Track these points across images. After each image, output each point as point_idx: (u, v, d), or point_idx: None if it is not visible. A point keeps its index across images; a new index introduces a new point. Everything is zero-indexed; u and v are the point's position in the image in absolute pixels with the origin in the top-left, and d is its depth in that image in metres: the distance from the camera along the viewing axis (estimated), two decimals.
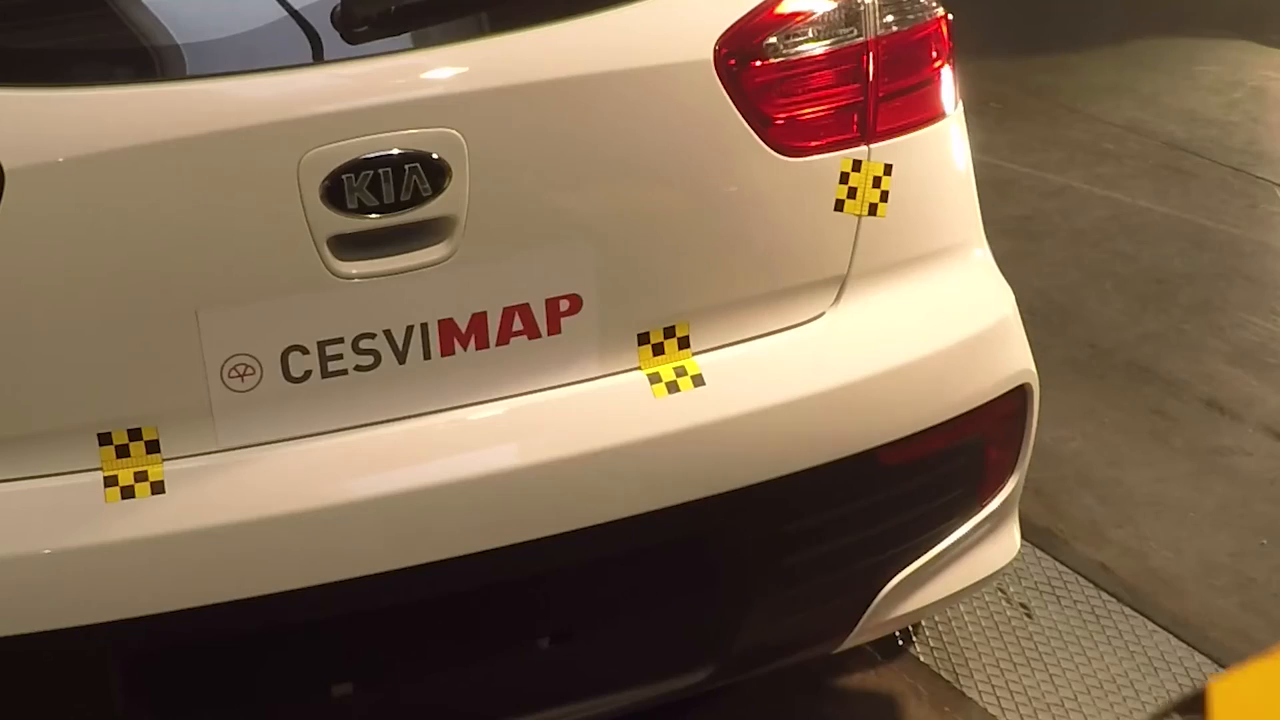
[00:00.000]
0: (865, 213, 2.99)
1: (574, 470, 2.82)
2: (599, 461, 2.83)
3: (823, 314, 3.01)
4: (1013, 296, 3.25)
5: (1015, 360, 3.18)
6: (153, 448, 2.65)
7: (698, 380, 2.89)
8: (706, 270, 2.92)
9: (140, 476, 2.64)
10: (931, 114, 3.09)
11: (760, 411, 2.89)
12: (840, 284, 3.02)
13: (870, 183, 2.99)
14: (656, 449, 2.81)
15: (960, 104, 3.19)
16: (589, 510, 2.79)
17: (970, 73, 7.88)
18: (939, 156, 3.14)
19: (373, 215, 2.61)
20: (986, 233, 3.24)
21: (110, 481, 2.63)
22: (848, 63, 2.96)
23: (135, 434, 2.65)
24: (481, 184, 2.69)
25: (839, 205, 2.97)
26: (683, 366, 2.90)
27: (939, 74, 3.11)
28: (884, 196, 2.99)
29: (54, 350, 2.60)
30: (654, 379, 2.88)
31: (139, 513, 2.63)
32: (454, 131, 2.64)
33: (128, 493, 2.62)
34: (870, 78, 2.96)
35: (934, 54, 3.11)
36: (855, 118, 2.96)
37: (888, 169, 3.00)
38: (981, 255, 3.23)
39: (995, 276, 3.26)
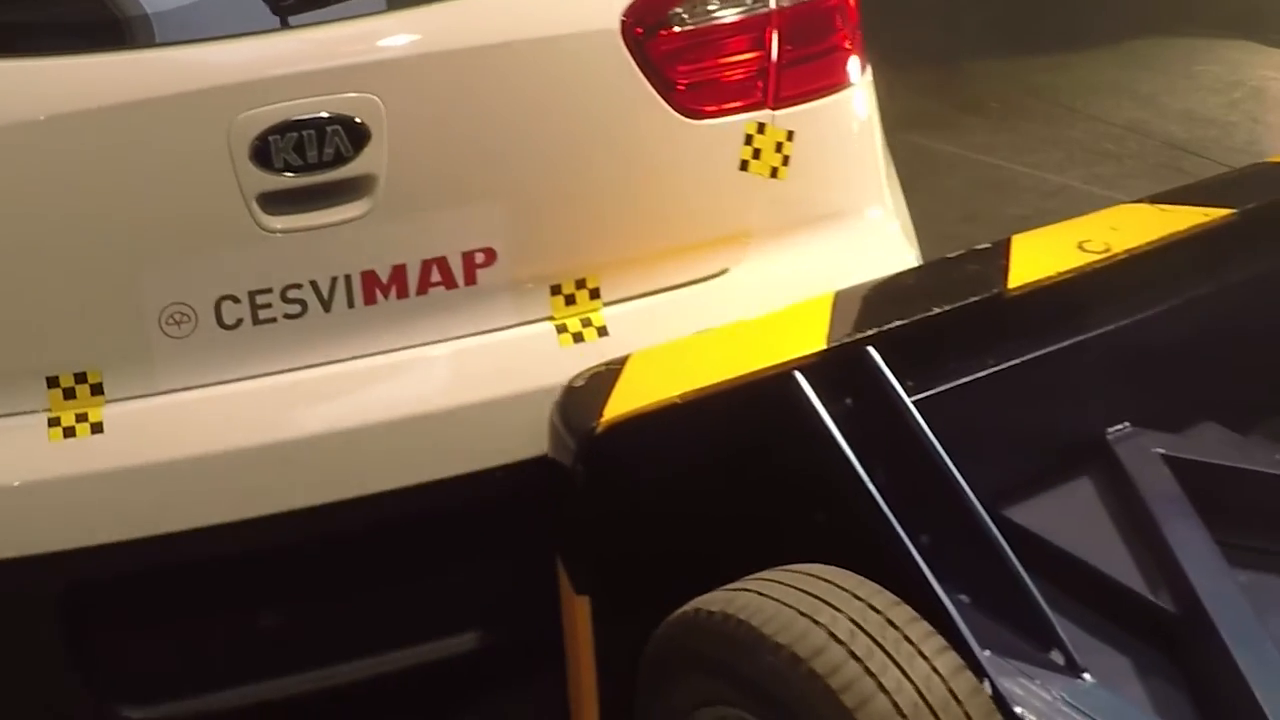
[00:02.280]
0: (768, 174, 3.35)
1: (483, 414, 3.15)
2: (506, 407, 3.15)
3: (727, 270, 3.37)
4: (915, 256, 3.57)
5: None
6: (97, 390, 3.01)
7: (602, 331, 3.25)
8: (616, 226, 3.30)
9: (81, 417, 3.00)
10: (836, 81, 3.41)
11: None
12: (744, 242, 3.38)
13: (773, 146, 3.31)
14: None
15: (868, 72, 3.53)
16: (498, 451, 3.05)
17: (970, 72, 8.68)
18: (843, 122, 3.48)
19: (298, 174, 2.97)
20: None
21: (54, 422, 2.98)
22: (752, 31, 3.29)
23: (81, 377, 3.00)
24: (399, 145, 3.06)
25: (743, 166, 3.33)
26: (589, 318, 3.26)
27: (843, 43, 3.42)
28: (786, 159, 3.34)
29: (6, 300, 2.94)
30: (560, 329, 3.24)
31: (79, 451, 2.97)
32: (373, 96, 3.02)
33: (69, 432, 2.99)
34: (774, 46, 3.28)
35: (839, 24, 3.41)
36: (759, 84, 3.28)
37: (790, 134, 3.32)
38: (883, 216, 3.54)
39: (898, 237, 3.59)
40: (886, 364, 3.00)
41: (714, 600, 2.77)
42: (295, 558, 3.19)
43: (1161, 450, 3.34)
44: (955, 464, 2.97)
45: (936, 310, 3.13)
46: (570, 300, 3.25)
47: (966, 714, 2.50)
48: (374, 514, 3.14)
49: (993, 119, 7.57)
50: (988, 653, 2.69)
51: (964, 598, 2.88)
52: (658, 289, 3.31)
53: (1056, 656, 2.78)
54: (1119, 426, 3.38)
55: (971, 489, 2.97)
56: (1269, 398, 3.60)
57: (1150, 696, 2.90)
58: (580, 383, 2.95)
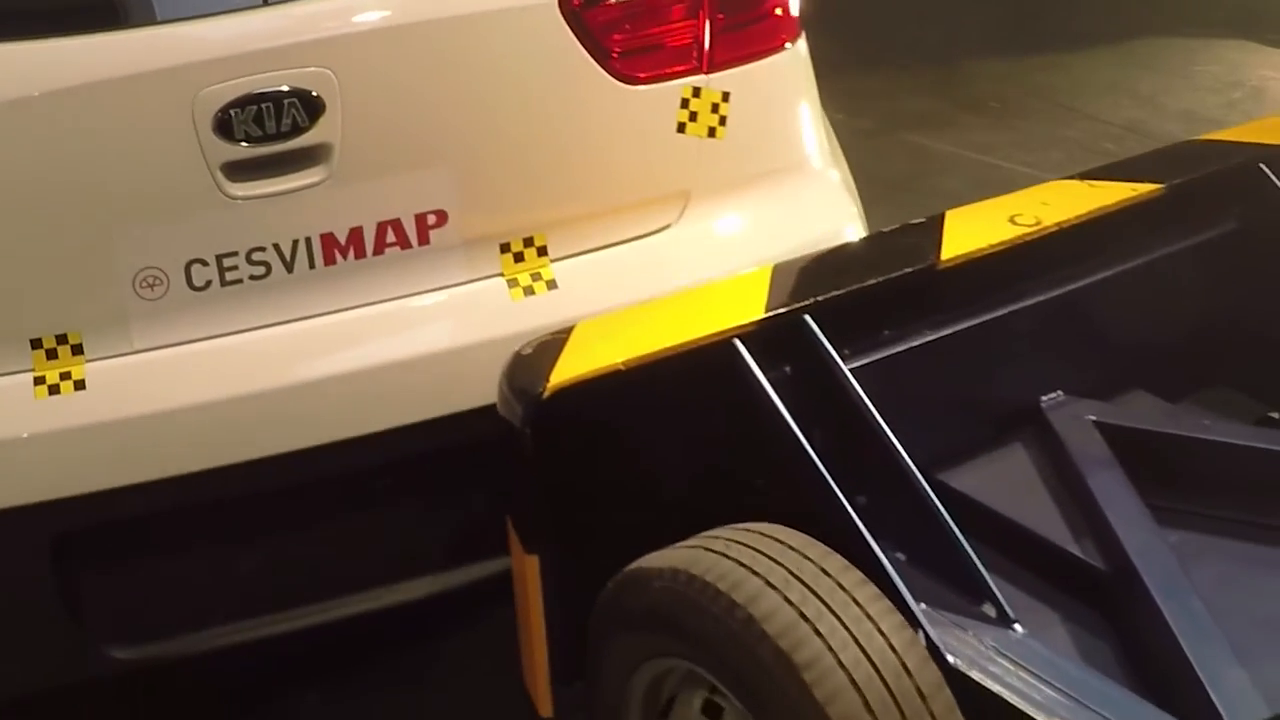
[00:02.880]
0: (705, 135, 3.46)
1: (441, 364, 3.32)
2: (462, 357, 3.32)
3: (669, 225, 3.51)
4: (855, 210, 3.69)
5: None
6: (77, 350, 3.17)
7: (551, 285, 3.40)
8: (560, 187, 3.43)
9: (65, 376, 3.16)
10: (769, 46, 3.52)
11: (604, 310, 3.15)
12: (684, 199, 3.51)
13: (709, 108, 3.44)
14: (512, 345, 3.05)
15: (803, 37, 3.61)
16: (455, 398, 3.21)
17: (970, 72, 8.17)
18: (777, 85, 3.59)
19: (258, 144, 3.13)
20: None
21: (39, 381, 3.15)
22: (685, 0, 3.39)
23: (62, 339, 3.17)
24: (353, 115, 3.19)
25: (680, 128, 3.44)
26: (539, 272, 3.39)
27: (775, 10, 3.52)
28: (723, 121, 3.45)
29: None
30: (512, 283, 3.38)
31: (63, 407, 3.16)
32: (327, 70, 3.16)
33: (53, 390, 3.16)
34: (708, 13, 3.39)
35: None
36: (694, 49, 3.40)
37: (725, 96, 3.45)
38: (821, 172, 3.66)
39: (837, 192, 3.68)
40: (823, 332, 3.03)
41: (665, 557, 2.82)
42: (267, 503, 3.32)
43: (1093, 417, 3.37)
44: (892, 430, 2.99)
45: (871, 281, 3.17)
46: (519, 257, 3.38)
47: (907, 670, 2.53)
48: (341, 460, 3.27)
49: (992, 118, 7.49)
50: (923, 606, 2.72)
51: (900, 556, 2.92)
52: (603, 245, 3.46)
53: (989, 609, 2.81)
54: (1052, 395, 3.44)
55: (908, 454, 3.00)
56: (1200, 370, 3.63)
57: (1080, 648, 2.93)
58: (528, 350, 3.00)
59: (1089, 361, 3.53)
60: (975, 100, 7.83)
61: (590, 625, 2.98)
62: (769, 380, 2.96)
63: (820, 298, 3.09)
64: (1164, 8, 8.74)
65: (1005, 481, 3.29)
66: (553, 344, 2.98)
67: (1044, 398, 3.43)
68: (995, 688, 2.54)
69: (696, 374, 2.99)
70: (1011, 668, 2.62)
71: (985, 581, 2.85)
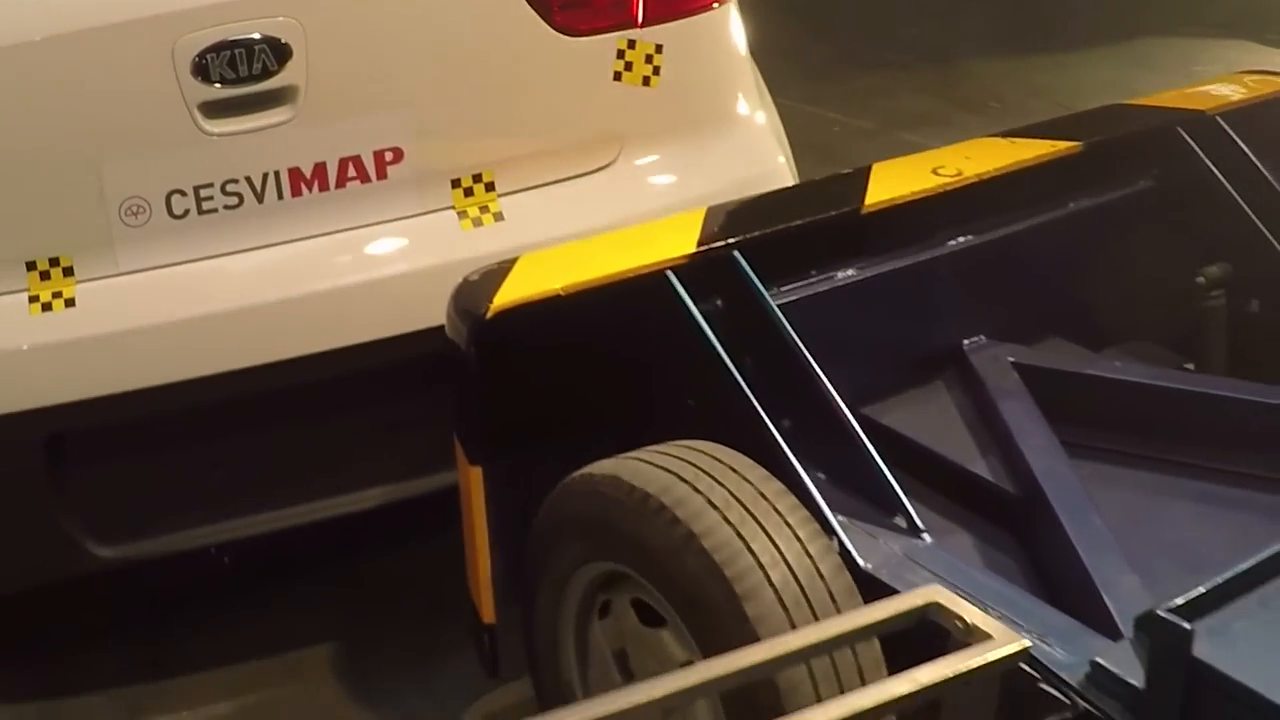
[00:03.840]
0: (640, 84, 3.65)
1: (396, 288, 3.52)
2: (417, 279, 3.51)
3: (606, 165, 3.69)
4: (781, 156, 3.87)
5: None
6: (68, 272, 3.38)
7: (498, 217, 3.58)
8: (506, 129, 3.58)
9: (56, 295, 3.38)
10: (700, 4, 3.72)
11: (547, 241, 3.45)
12: (620, 142, 3.68)
13: (643, 59, 3.62)
14: (461, 270, 3.27)
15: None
16: (410, 319, 3.40)
17: (970, 72, 7.86)
18: (708, 40, 3.77)
19: (231, 86, 3.37)
20: None
21: (33, 299, 3.37)
22: None
23: (54, 261, 3.38)
24: (317, 60, 3.39)
25: (617, 77, 3.62)
26: (486, 205, 3.57)
27: None
28: (656, 71, 3.64)
29: None
30: (461, 215, 3.57)
31: (55, 322, 3.40)
32: (295, 20, 3.37)
33: (46, 307, 3.38)
34: None
35: None
36: (629, 5, 3.58)
37: (659, 48, 3.60)
38: (748, 120, 3.85)
39: (764, 138, 3.86)
40: (752, 268, 3.09)
41: (605, 467, 2.86)
42: (239, 412, 3.51)
43: (1012, 359, 3.43)
44: (818, 363, 3.06)
45: (797, 222, 3.27)
46: (469, 192, 3.58)
47: (820, 573, 2.64)
48: (307, 373, 3.49)
49: (992, 118, 7.23)
50: (840, 518, 2.81)
51: (821, 475, 2.96)
52: (545, 182, 3.67)
53: (900, 521, 2.88)
54: (975, 338, 3.52)
55: (834, 387, 3.08)
56: (1121, 322, 3.70)
57: (988, 560, 3.05)
58: (474, 277, 3.08)
59: (1011, 308, 3.56)
60: (975, 100, 7.67)
61: (532, 531, 3.02)
62: (700, 311, 3.05)
63: (748, 235, 3.18)
64: (1164, 8, 8.51)
65: (927, 416, 3.39)
66: (497, 271, 3.05)
67: (967, 341, 3.50)
68: (902, 589, 2.60)
69: (633, 303, 3.06)
70: (918, 571, 2.70)
71: (898, 497, 2.91)
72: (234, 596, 3.92)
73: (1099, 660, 2.45)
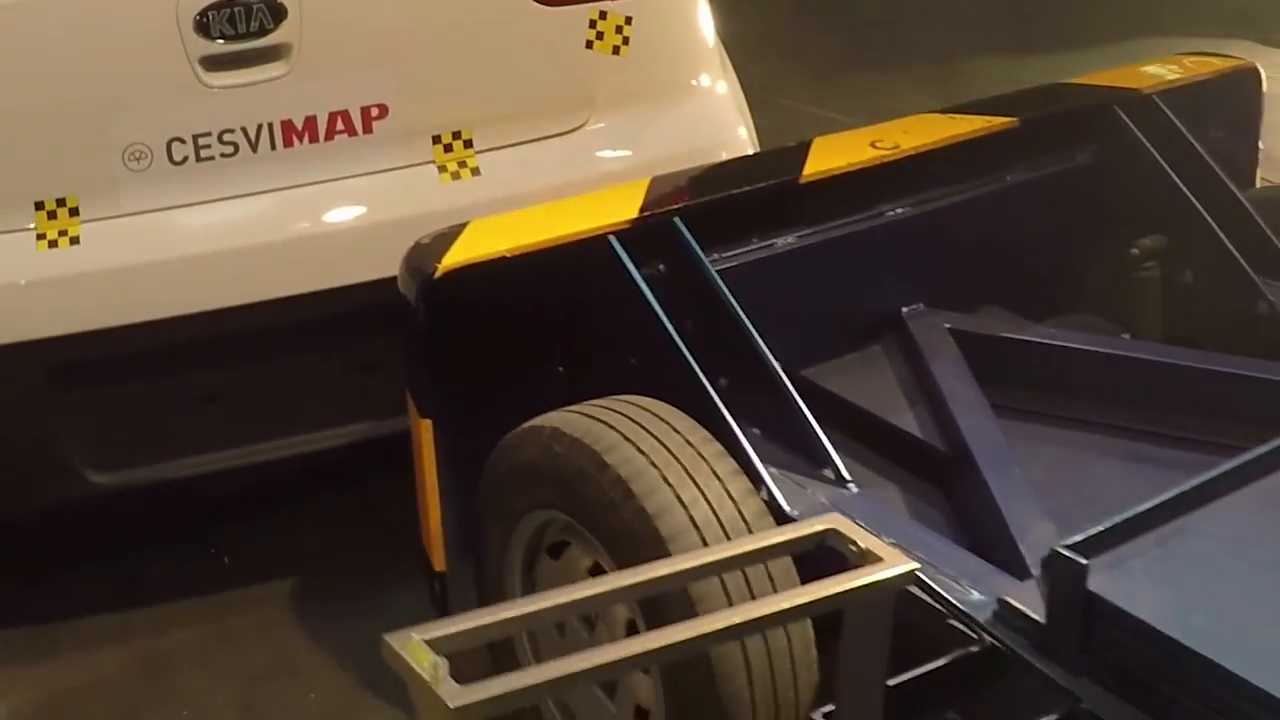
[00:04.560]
0: (610, 52, 3.79)
1: (378, 234, 3.68)
2: (398, 227, 3.53)
3: (578, 127, 3.82)
4: (742, 122, 3.98)
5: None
6: (74, 212, 3.53)
7: (475, 171, 3.73)
8: (485, 91, 3.72)
9: (62, 233, 3.52)
10: None
11: (520, 194, 3.64)
12: (591, 105, 3.82)
13: (614, 29, 3.75)
14: (441, 219, 3.41)
15: None
16: (392, 262, 3.40)
17: (971, 72, 7.74)
18: (675, 13, 3.96)
19: (230, 41, 3.53)
20: None
21: (40, 237, 3.52)
22: None
23: (61, 202, 3.52)
24: (311, 20, 3.52)
25: (589, 45, 3.76)
26: (465, 160, 3.71)
27: None
28: (626, 41, 3.78)
29: (7, 143, 3.53)
30: (441, 169, 3.71)
31: (60, 259, 3.56)
32: None
33: (53, 244, 3.54)
34: None
35: None
36: None
37: (628, 19, 3.73)
38: (711, 88, 4.04)
39: (725, 105, 4.02)
40: (692, 235, 3.14)
41: (549, 420, 2.93)
42: (230, 348, 3.67)
43: (949, 325, 3.48)
44: (758, 326, 3.11)
45: (736, 191, 3.34)
46: (449, 148, 3.73)
47: (744, 518, 2.73)
48: (295, 312, 3.64)
49: None
50: (771, 469, 2.89)
51: (756, 431, 3.03)
52: (520, 141, 3.82)
53: (828, 473, 2.97)
54: (914, 306, 3.58)
55: (773, 350, 3.13)
56: (1062, 293, 3.77)
57: (914, 510, 3.15)
58: (426, 240, 3.12)
59: (951, 277, 3.63)
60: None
61: (481, 481, 3.07)
62: (642, 275, 3.11)
63: (689, 203, 3.25)
64: (1164, 8, 8.35)
65: (865, 379, 3.46)
66: (448, 234, 3.10)
67: (906, 308, 3.57)
68: None
69: (578, 266, 3.13)
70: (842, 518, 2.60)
71: (826, 450, 2.98)
72: (233, 596, 3.99)
73: (1006, 598, 2.54)
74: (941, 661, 2.52)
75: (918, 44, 8.12)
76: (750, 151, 3.90)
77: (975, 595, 2.62)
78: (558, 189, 3.68)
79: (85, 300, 3.60)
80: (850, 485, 2.96)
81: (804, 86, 6.80)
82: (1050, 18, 8.34)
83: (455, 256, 3.10)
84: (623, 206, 3.22)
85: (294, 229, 3.76)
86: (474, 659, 2.78)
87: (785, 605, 2.16)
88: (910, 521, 2.98)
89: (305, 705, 3.58)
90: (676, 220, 3.20)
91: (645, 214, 3.20)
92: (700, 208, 3.26)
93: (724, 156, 3.88)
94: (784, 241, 3.43)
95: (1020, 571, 2.73)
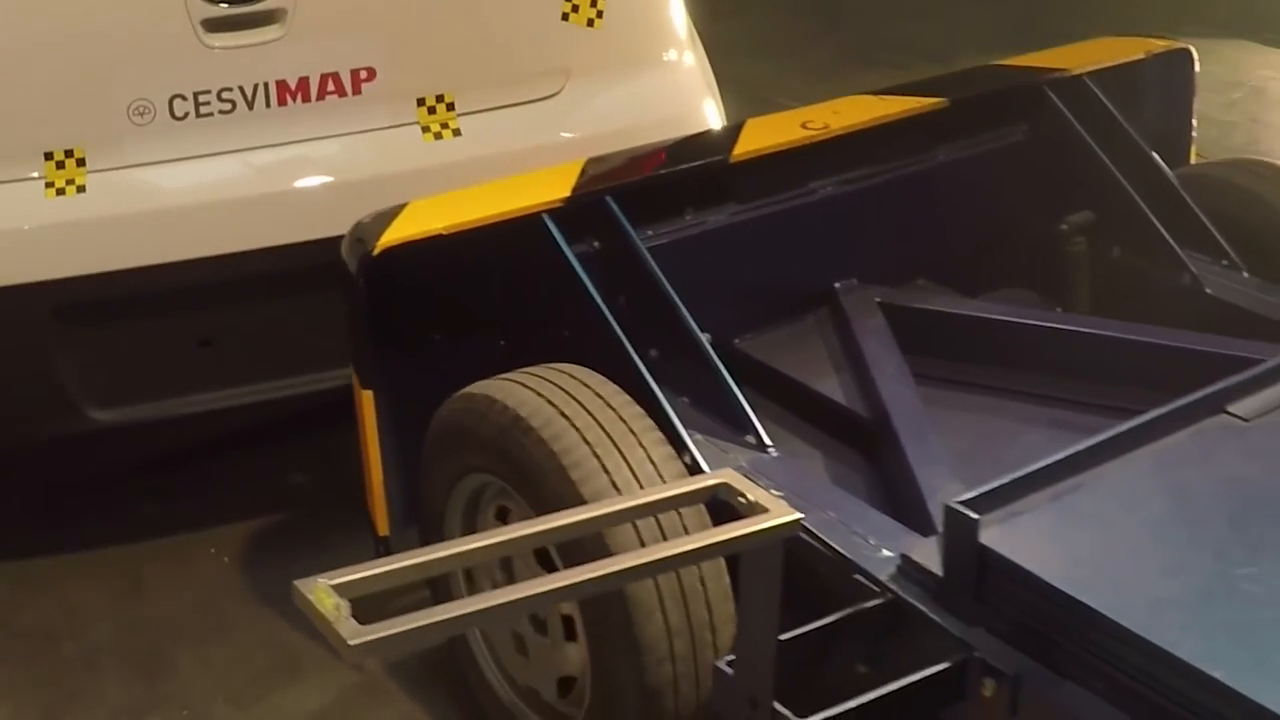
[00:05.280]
0: (585, 24, 3.80)
1: (365, 189, 3.63)
2: (383, 182, 3.65)
3: (554, 94, 3.84)
4: (709, 94, 3.96)
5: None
6: (81, 163, 3.56)
7: (456, 132, 3.74)
8: (466, 58, 3.74)
9: (70, 182, 3.56)
10: None
11: (498, 155, 3.75)
12: (567, 74, 3.82)
13: (589, 3, 3.77)
14: (423, 176, 3.59)
15: None
16: None
17: None
18: None
19: (231, 4, 3.56)
20: None
21: (49, 185, 3.55)
22: None
23: (69, 153, 3.55)
24: None
25: (565, 17, 3.77)
26: (447, 122, 3.73)
27: None
28: (600, 14, 3.79)
29: (16, 96, 3.57)
30: (425, 130, 3.72)
31: (67, 205, 3.58)
32: None
33: (60, 192, 3.56)
34: None
35: None
36: None
37: None
38: (681, 62, 4.01)
39: (694, 78, 3.99)
40: (626, 213, 3.14)
41: (483, 387, 2.93)
42: (224, 293, 3.70)
43: (879, 299, 3.48)
44: (692, 300, 3.11)
45: (665, 170, 3.34)
46: (432, 110, 3.73)
47: (663, 480, 2.73)
48: (285, 261, 3.65)
49: None
50: (696, 435, 2.91)
51: (684, 399, 3.07)
52: (500, 105, 3.82)
53: (750, 439, 2.98)
54: (848, 280, 3.57)
55: (707, 323, 3.16)
56: (996, 268, 3.76)
57: (839, 476, 3.15)
58: (368, 219, 3.14)
59: (884, 253, 3.61)
60: None
61: (423, 447, 3.11)
62: (575, 252, 3.11)
63: (621, 183, 3.25)
64: (1164, 8, 8.01)
65: (796, 350, 3.44)
66: (389, 213, 3.12)
67: (839, 283, 3.56)
68: None
69: (513, 243, 3.13)
70: (759, 480, 2.74)
71: (749, 417, 3.00)
72: (233, 596, 3.89)
73: (907, 553, 2.57)
74: (843, 614, 2.53)
75: (917, 44, 7.89)
76: (717, 123, 3.90)
77: (882, 552, 2.62)
78: (533, 151, 3.72)
79: (90, 245, 3.62)
80: (770, 449, 2.97)
81: (804, 86, 6.70)
82: (1050, 18, 8.02)
83: (393, 235, 3.08)
84: (557, 186, 3.21)
85: (286, 182, 3.78)
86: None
87: (679, 550, 2.24)
88: (826, 483, 2.98)
89: (305, 705, 3.50)
90: (609, 199, 3.19)
91: (578, 193, 3.18)
92: (632, 187, 3.25)
93: (691, 127, 3.86)
94: (716, 219, 3.41)
95: (928, 530, 2.72)
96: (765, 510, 2.17)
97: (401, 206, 3.10)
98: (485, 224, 3.10)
